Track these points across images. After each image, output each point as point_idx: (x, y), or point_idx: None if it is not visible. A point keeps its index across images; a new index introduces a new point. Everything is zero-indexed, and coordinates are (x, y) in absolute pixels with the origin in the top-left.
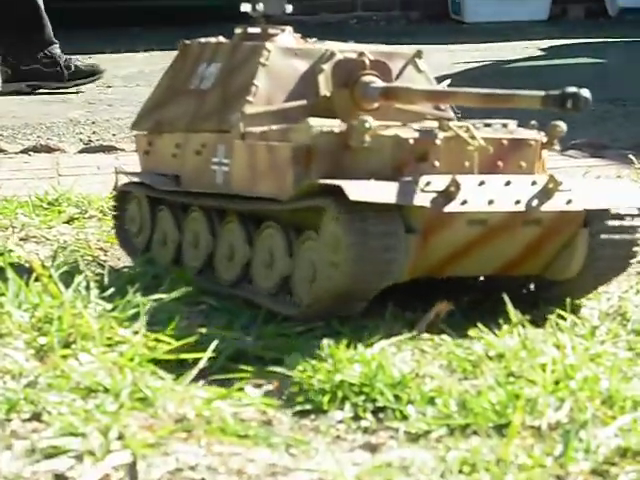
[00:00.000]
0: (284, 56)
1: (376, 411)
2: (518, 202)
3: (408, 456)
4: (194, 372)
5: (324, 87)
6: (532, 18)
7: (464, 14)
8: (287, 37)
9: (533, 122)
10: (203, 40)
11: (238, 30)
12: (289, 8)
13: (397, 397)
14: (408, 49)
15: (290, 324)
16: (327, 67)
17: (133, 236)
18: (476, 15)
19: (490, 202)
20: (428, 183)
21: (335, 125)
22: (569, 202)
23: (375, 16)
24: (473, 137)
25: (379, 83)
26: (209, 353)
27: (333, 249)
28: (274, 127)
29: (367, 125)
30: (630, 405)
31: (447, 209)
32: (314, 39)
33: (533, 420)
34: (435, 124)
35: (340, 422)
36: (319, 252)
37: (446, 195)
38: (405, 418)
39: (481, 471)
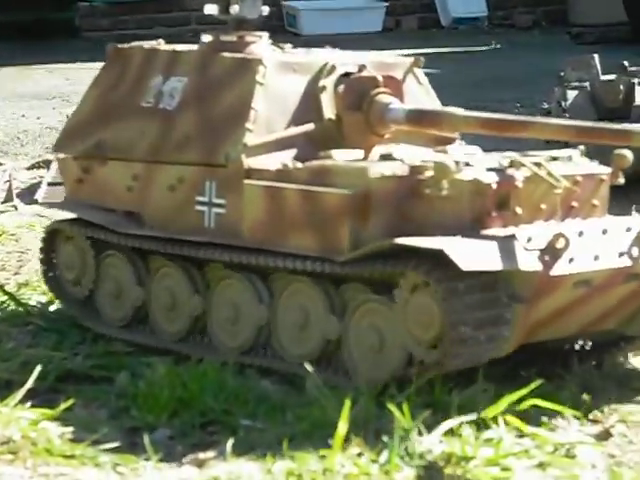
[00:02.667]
0: (281, 72)
1: (205, 425)
2: (622, 255)
3: (235, 470)
4: (21, 393)
5: (328, 109)
6: (367, 30)
7: (299, 27)
8: (265, 46)
9: (581, 147)
10: (146, 45)
11: (206, 37)
12: (265, 10)
13: (226, 411)
14: (405, 57)
15: (118, 342)
16: (329, 84)
17: (68, 283)
18: (311, 28)
19: (596, 258)
20: (529, 239)
21: (397, 167)
22: None
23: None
24: (552, 175)
25: (398, 104)
26: (36, 374)
27: (423, 324)
28: (298, 165)
29: (448, 168)
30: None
31: (556, 271)
32: (296, 47)
33: (358, 429)
34: (498, 158)
35: (171, 438)
36: (393, 322)
37: (553, 253)
38: (235, 432)
39: None
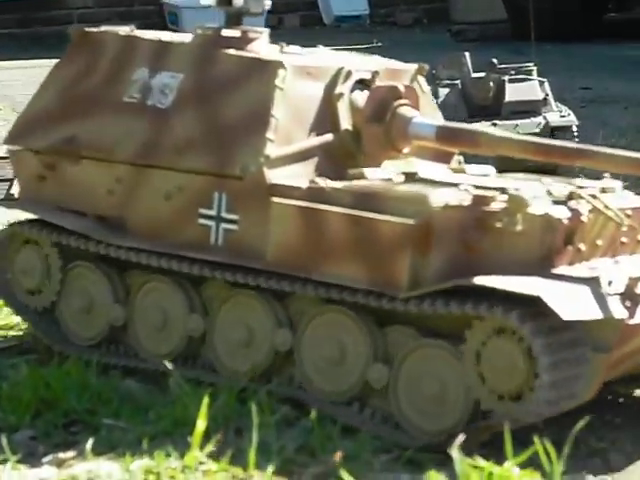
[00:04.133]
0: (299, 77)
1: (69, 425)
2: None
3: (94, 468)
4: None
5: (345, 119)
6: (249, 28)
7: (181, 24)
8: (265, 44)
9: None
10: (121, 32)
11: (199, 30)
12: (268, 4)
13: (90, 411)
14: (410, 64)
15: None
16: (346, 91)
17: (25, 292)
18: (192, 25)
19: None
20: (610, 283)
21: (460, 196)
22: None
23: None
24: (610, 209)
25: (422, 118)
26: None
27: (503, 374)
28: (335, 185)
29: (524, 202)
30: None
31: (637, 319)
32: (294, 46)
33: (219, 427)
34: (557, 189)
35: (33, 438)
36: (457, 370)
37: (633, 299)
38: (97, 431)
39: (165, 479)
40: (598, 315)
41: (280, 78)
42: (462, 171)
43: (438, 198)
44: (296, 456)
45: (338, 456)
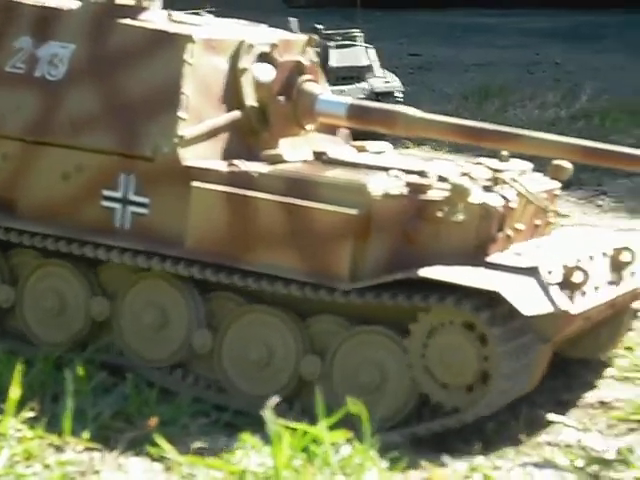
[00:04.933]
0: (206, 51)
1: None
2: (612, 284)
3: None
4: None
5: (249, 95)
6: None
7: None
8: (158, 12)
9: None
10: None
11: None
12: None
13: None
14: (299, 35)
15: None
16: (249, 65)
17: None
18: None
19: (596, 289)
20: (550, 272)
21: (398, 184)
22: (634, 275)
23: None
24: (531, 194)
25: (331, 95)
26: None
27: (453, 367)
28: (262, 170)
29: (467, 191)
30: None
31: (578, 309)
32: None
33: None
34: (474, 171)
35: None
36: (401, 361)
37: (571, 288)
38: None
39: None
40: (550, 309)
41: (189, 53)
42: (364, 149)
43: (377, 187)
44: (112, 422)
45: (153, 421)
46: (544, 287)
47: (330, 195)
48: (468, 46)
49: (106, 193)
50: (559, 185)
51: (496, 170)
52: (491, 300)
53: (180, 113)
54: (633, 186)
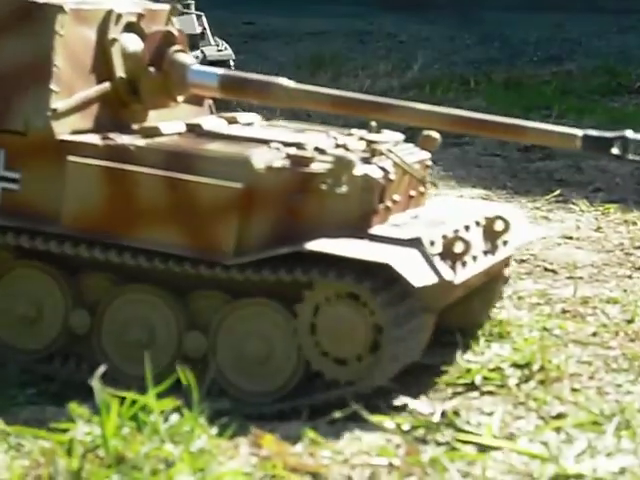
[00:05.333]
0: (75, 22)
1: None
2: (487, 253)
3: None
4: None
5: (119, 66)
6: None
7: None
8: None
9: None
10: None
11: None
12: None
13: None
14: (161, 5)
15: None
16: (118, 35)
17: None
18: None
19: (475, 259)
20: (432, 243)
21: (281, 157)
22: (506, 244)
23: None
24: (407, 164)
25: (200, 66)
26: None
27: (343, 340)
28: (138, 142)
29: (351, 163)
30: None
31: (458, 279)
32: None
33: None
34: (349, 142)
35: None
36: (288, 336)
37: (452, 258)
38: None
39: None
40: (435, 279)
41: (59, 24)
42: (235, 120)
43: (260, 160)
44: None
45: None
46: (427, 258)
47: (212, 168)
48: (303, 15)
49: None
50: (430, 156)
51: (371, 141)
52: (372, 270)
53: (52, 86)
54: (461, 155)
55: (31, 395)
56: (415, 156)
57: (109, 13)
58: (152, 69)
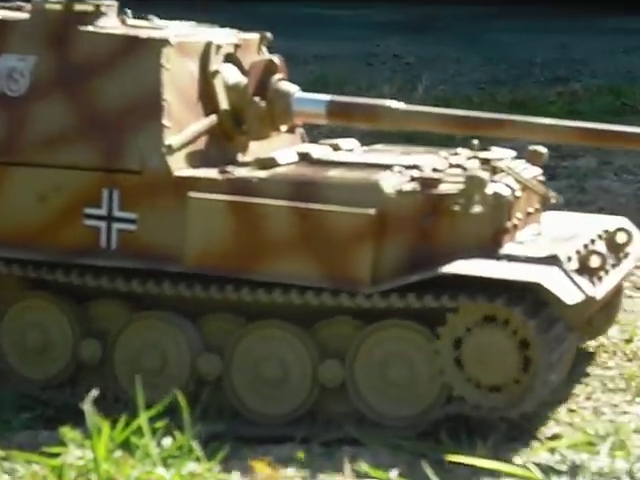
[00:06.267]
0: (179, 55)
1: None
2: (615, 267)
3: None
4: None
5: (223, 98)
6: None
7: None
8: (114, 17)
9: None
10: None
11: (41, 4)
12: None
13: None
14: (252, 34)
15: None
16: (219, 67)
17: None
18: None
19: (607, 272)
20: (570, 259)
21: (410, 182)
22: (627, 256)
23: None
24: (529, 182)
25: (304, 93)
26: None
27: (492, 366)
28: (260, 174)
29: (483, 182)
30: None
31: (600, 294)
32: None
33: None
34: (465, 162)
35: None
36: (431, 364)
37: (590, 273)
38: None
39: None
40: (582, 296)
41: (165, 57)
42: (338, 147)
43: (389, 184)
44: None
45: None
46: (568, 275)
47: (342, 196)
48: (308, 38)
49: (88, 211)
50: (541, 171)
51: (486, 159)
52: (518, 291)
53: (164, 121)
54: None
55: (26, 420)
56: (529, 172)
57: (209, 45)
58: (257, 99)
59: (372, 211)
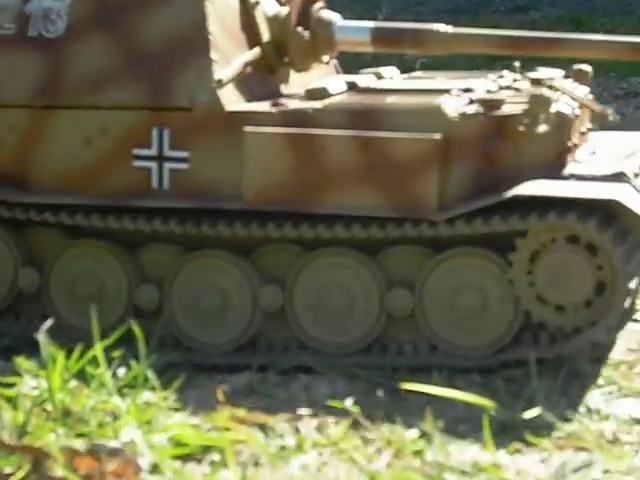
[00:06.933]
0: None
1: None
2: None
3: None
4: None
5: (265, 29)
6: None
7: None
8: None
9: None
10: None
11: None
12: None
13: None
14: None
15: None
16: None
17: None
18: None
19: None
20: (637, 175)
21: (471, 105)
22: None
23: None
24: (584, 99)
25: (346, 21)
26: None
27: (566, 286)
28: (315, 105)
29: (548, 100)
30: None
31: None
32: None
33: None
34: (523, 85)
35: None
36: (502, 286)
37: None
38: None
39: None
40: None
41: None
42: (380, 75)
43: (452, 108)
44: None
45: None
46: (637, 191)
47: (404, 122)
48: None
49: (138, 152)
50: (589, 89)
51: (538, 79)
52: (589, 209)
53: (212, 55)
54: None
55: None
56: (579, 91)
57: None
58: (300, 29)
59: (438, 136)
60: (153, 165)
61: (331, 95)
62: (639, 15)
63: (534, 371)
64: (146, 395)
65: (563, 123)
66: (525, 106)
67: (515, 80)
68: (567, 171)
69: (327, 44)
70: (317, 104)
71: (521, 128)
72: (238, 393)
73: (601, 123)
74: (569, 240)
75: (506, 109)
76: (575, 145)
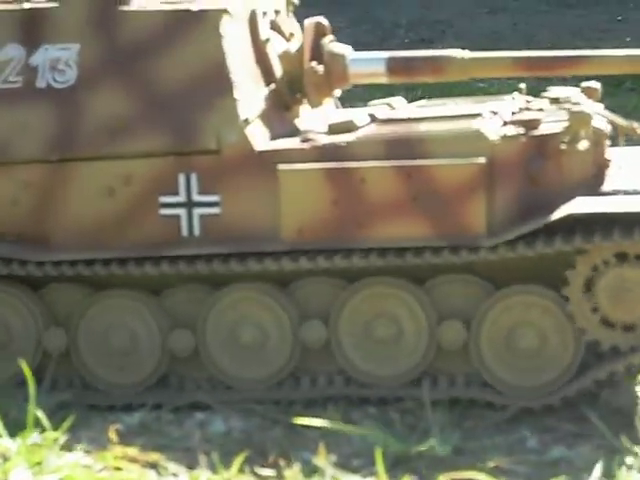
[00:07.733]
0: (233, 24)
1: None
2: None
3: None
4: None
5: (277, 65)
6: None
7: None
8: None
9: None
10: None
11: None
12: None
13: None
14: None
15: None
16: (269, 34)
17: None
18: None
19: None
20: None
21: (509, 127)
22: None
23: None
24: (614, 116)
25: (358, 53)
26: None
27: (627, 304)
28: (349, 138)
29: (588, 117)
30: None
31: None
32: None
33: None
34: (543, 105)
35: None
36: (558, 315)
37: None
38: None
39: None
40: None
41: (224, 27)
42: (392, 106)
43: (491, 131)
44: None
45: None
46: None
47: (445, 149)
48: None
49: (164, 200)
50: (602, 106)
51: (557, 99)
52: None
53: (236, 94)
54: None
55: None
56: (594, 107)
57: (254, 12)
58: (314, 64)
59: (482, 160)
60: (182, 212)
61: (358, 128)
62: (546, 47)
63: (429, 405)
64: (37, 436)
65: (601, 139)
66: (566, 124)
67: (528, 102)
68: (608, 187)
69: (341, 78)
70: (349, 137)
71: (563, 146)
72: (131, 432)
73: (628, 138)
74: (622, 258)
75: (544, 128)
76: (609, 160)
